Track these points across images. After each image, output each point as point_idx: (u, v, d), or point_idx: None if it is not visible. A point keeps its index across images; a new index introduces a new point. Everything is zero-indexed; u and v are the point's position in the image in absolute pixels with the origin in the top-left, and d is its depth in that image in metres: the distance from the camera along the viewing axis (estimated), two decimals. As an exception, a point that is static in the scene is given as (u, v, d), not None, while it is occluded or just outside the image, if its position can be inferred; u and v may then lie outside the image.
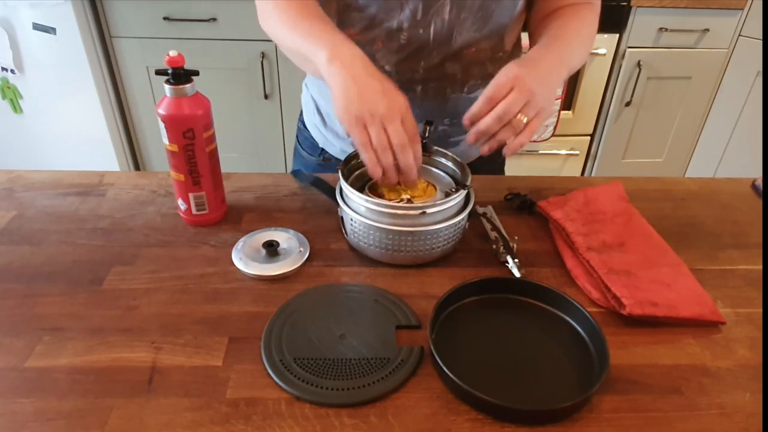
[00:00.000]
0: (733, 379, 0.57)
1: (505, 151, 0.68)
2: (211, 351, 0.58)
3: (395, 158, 0.65)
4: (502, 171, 1.07)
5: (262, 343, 0.58)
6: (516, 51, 0.91)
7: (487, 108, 0.67)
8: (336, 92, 0.66)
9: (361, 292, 0.66)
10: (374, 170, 0.66)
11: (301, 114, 1.04)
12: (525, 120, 0.67)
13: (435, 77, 0.84)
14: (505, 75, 0.68)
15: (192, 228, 0.77)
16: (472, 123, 0.69)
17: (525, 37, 0.91)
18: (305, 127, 1.01)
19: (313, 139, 0.99)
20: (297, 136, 1.05)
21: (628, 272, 0.67)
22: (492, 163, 1.01)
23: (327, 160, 0.98)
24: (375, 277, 0.69)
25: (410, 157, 0.65)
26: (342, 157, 0.95)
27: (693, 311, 0.62)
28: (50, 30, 1.86)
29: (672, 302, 0.63)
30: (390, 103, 0.64)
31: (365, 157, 0.66)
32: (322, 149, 0.98)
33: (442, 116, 0.88)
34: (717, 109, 2.17)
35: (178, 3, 1.88)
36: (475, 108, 0.68)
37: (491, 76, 0.86)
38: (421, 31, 0.79)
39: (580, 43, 0.81)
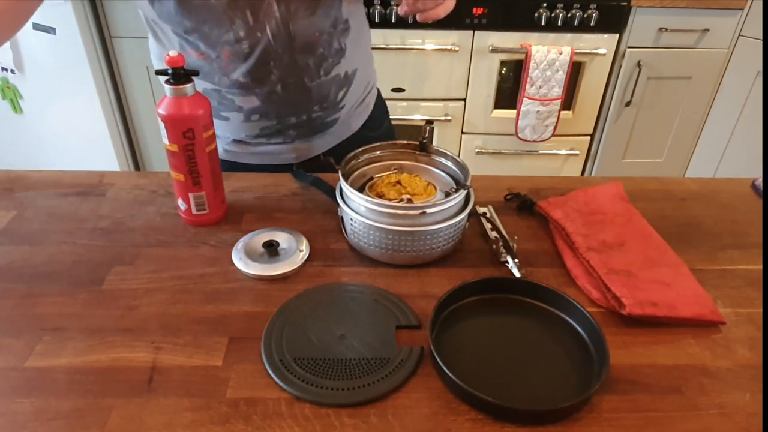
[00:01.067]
0: (733, 379, 0.57)
1: (420, 17, 0.72)
2: (211, 351, 0.58)
3: None
4: (390, 136, 1.07)
5: (262, 343, 0.58)
6: (356, 11, 0.89)
7: None
8: None
9: (361, 292, 0.66)
10: None
11: None
12: None
13: (290, 73, 0.84)
14: None
15: (192, 228, 0.77)
16: None
17: None
18: None
19: None
20: None
21: (628, 272, 0.67)
22: (376, 129, 1.02)
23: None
24: (375, 277, 0.69)
25: None
26: (224, 157, 0.95)
27: (693, 311, 0.63)
28: (50, 30, 1.86)
29: (672, 302, 0.63)
30: None
31: None
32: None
33: (310, 105, 0.88)
34: (717, 109, 2.17)
35: (178, 3, 1.87)
36: None
37: (343, 49, 0.86)
38: (258, 34, 0.79)
39: None
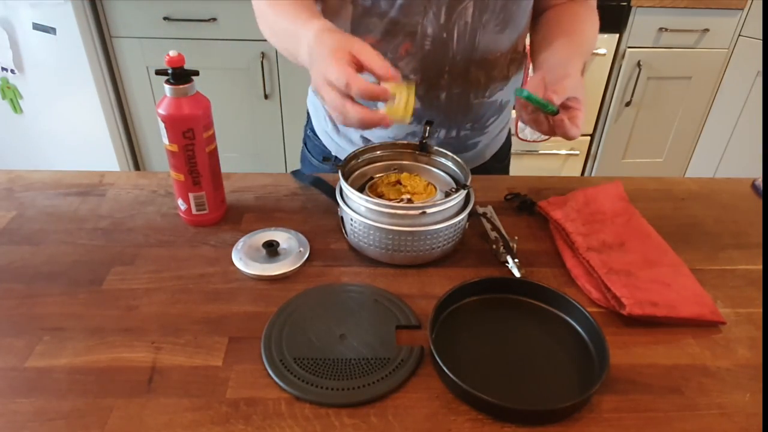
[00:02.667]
0: (733, 379, 0.57)
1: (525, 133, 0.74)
2: (211, 351, 0.58)
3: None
4: (507, 169, 1.08)
5: (262, 343, 0.58)
6: (524, 50, 0.91)
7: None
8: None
9: (361, 292, 0.66)
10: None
11: (309, 121, 1.02)
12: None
13: (459, 83, 0.83)
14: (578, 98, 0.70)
15: (192, 228, 0.77)
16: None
17: None
18: (315, 134, 0.99)
19: (324, 146, 0.97)
20: (305, 144, 1.03)
21: (628, 272, 0.67)
22: (501, 161, 1.02)
23: (341, 161, 0.97)
24: (375, 277, 0.69)
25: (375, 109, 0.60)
26: None
27: (693, 311, 0.63)
28: (50, 30, 1.86)
29: (672, 302, 0.63)
30: (338, 68, 0.58)
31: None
32: (335, 157, 0.95)
33: (465, 121, 0.87)
34: (717, 109, 2.17)
35: (178, 3, 1.88)
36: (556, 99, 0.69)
37: (508, 78, 0.87)
38: (444, 35, 0.78)
39: (590, 48, 0.85)
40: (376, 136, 0.89)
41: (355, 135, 0.91)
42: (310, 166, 1.01)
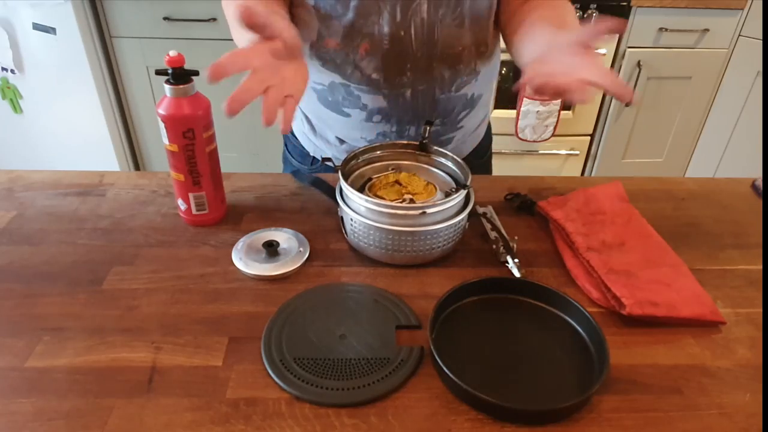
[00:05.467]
0: (733, 379, 0.57)
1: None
2: (211, 351, 0.58)
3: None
4: (489, 166, 1.08)
5: (262, 343, 0.58)
6: (497, 46, 0.91)
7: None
8: None
9: (361, 292, 0.66)
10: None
11: None
12: None
13: (423, 80, 0.83)
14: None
15: (192, 228, 0.77)
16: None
17: None
18: (293, 135, 1.00)
19: (303, 147, 0.98)
20: (285, 145, 1.04)
21: (628, 272, 0.67)
22: (481, 157, 1.02)
23: (318, 161, 0.97)
24: (375, 277, 0.69)
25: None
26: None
27: (693, 311, 0.63)
28: (50, 30, 1.86)
29: (672, 302, 0.63)
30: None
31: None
32: (314, 157, 0.97)
33: (433, 117, 0.87)
34: (717, 109, 2.17)
35: (178, 3, 1.88)
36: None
37: (477, 72, 0.86)
38: (402, 33, 0.78)
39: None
40: (351, 138, 0.90)
41: (331, 136, 0.92)
42: (291, 166, 1.03)
